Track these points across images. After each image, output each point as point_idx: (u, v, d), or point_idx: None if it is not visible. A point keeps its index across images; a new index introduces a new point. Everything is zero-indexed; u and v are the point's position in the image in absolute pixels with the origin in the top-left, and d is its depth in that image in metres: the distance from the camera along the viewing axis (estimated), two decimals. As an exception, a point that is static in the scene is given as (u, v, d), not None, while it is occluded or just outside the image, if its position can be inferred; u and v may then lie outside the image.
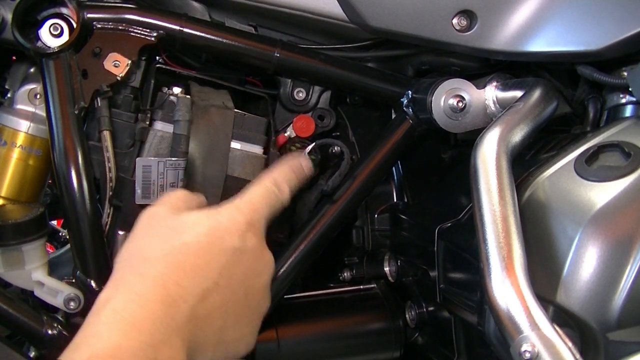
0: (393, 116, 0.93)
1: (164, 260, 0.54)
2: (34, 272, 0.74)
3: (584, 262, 0.58)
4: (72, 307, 0.74)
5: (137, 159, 0.75)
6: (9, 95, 0.81)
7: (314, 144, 0.83)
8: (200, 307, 0.54)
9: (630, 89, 0.68)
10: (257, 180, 0.67)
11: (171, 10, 0.82)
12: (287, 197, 0.67)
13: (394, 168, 1.02)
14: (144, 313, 0.50)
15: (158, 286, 0.52)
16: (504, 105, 0.76)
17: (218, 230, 0.58)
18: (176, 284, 0.53)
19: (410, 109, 0.84)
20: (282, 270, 0.81)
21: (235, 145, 0.80)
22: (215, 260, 0.56)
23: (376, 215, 1.02)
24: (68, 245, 0.79)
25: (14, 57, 0.82)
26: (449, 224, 0.79)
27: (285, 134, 0.86)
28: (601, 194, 0.60)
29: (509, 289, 0.56)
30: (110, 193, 0.75)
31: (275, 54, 0.81)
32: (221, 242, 0.58)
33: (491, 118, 0.78)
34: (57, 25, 0.75)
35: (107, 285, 0.55)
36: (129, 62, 0.75)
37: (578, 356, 0.53)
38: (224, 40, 0.80)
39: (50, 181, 0.84)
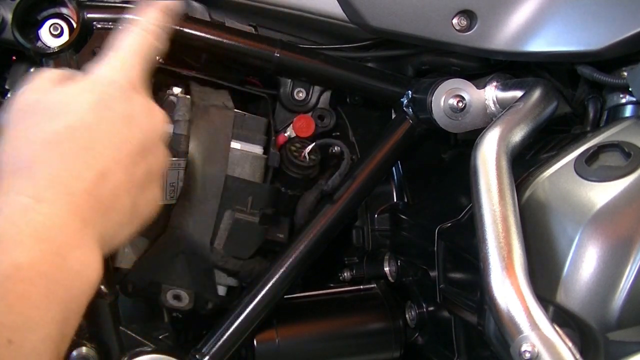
0: (393, 116, 0.94)
1: (49, 151, 0.48)
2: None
3: (584, 262, 0.58)
4: (72, 307, 0.74)
5: (137, 159, 0.75)
6: (9, 95, 0.81)
7: (314, 144, 0.83)
8: (103, 190, 0.48)
9: (630, 89, 0.68)
10: (124, 30, 0.59)
11: (171, 10, 0.81)
12: (162, 39, 0.60)
13: (394, 168, 1.02)
14: (41, 218, 0.44)
15: (52, 184, 0.46)
16: (504, 105, 0.76)
17: (102, 102, 0.51)
18: (71, 175, 0.47)
19: (410, 109, 0.84)
20: (282, 270, 0.81)
21: (235, 145, 0.80)
22: (108, 135, 0.50)
23: (376, 215, 1.02)
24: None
25: (14, 57, 0.82)
26: (449, 224, 0.79)
27: (285, 134, 0.86)
28: (601, 194, 0.60)
29: (509, 289, 0.56)
30: (110, 193, 0.75)
31: (275, 54, 0.81)
32: (110, 113, 0.51)
33: (491, 118, 0.78)
34: (57, 25, 0.75)
35: None
36: (129, 62, 0.75)
37: (578, 356, 0.53)
38: (224, 40, 0.80)
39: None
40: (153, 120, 0.55)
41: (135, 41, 0.58)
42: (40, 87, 0.53)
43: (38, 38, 0.75)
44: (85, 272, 0.46)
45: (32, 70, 0.69)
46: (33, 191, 0.46)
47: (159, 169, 0.57)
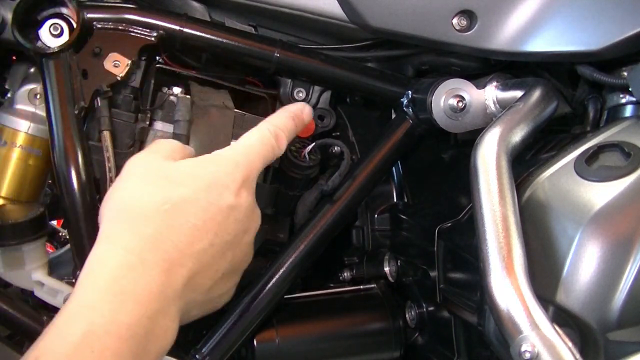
0: (393, 116, 0.93)
1: (161, 216, 0.51)
2: (34, 272, 0.74)
3: (584, 262, 0.58)
4: (72, 307, 0.74)
5: (137, 159, 0.75)
6: (9, 95, 0.81)
7: (314, 144, 0.83)
8: (194, 269, 0.51)
9: (630, 89, 0.68)
10: (257, 128, 0.63)
11: (171, 10, 0.82)
12: (283, 149, 0.65)
13: (394, 168, 1.02)
14: (144, 282, 0.47)
15: (156, 249, 0.49)
16: (504, 105, 0.76)
17: (217, 186, 0.55)
18: (174, 246, 0.50)
19: (410, 109, 0.84)
20: (282, 270, 0.81)
21: None
22: (212, 219, 0.54)
23: (376, 215, 1.02)
24: (68, 245, 0.79)
25: (14, 57, 0.82)
26: (449, 224, 0.79)
27: (285, 134, 0.86)
28: (601, 194, 0.60)
29: (509, 289, 0.56)
30: (110, 193, 0.75)
31: (275, 54, 0.81)
32: (219, 199, 0.55)
33: (491, 118, 0.78)
34: (57, 25, 0.75)
35: (100, 239, 0.50)
36: (129, 62, 0.75)
37: (578, 356, 0.53)
38: (224, 40, 0.80)
39: (50, 181, 0.84)
40: (251, 219, 0.59)
41: (262, 143, 0.62)
42: (166, 153, 0.57)
43: (38, 38, 0.75)
44: (166, 338, 0.49)
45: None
46: (139, 250, 0.48)
47: (241, 265, 0.61)
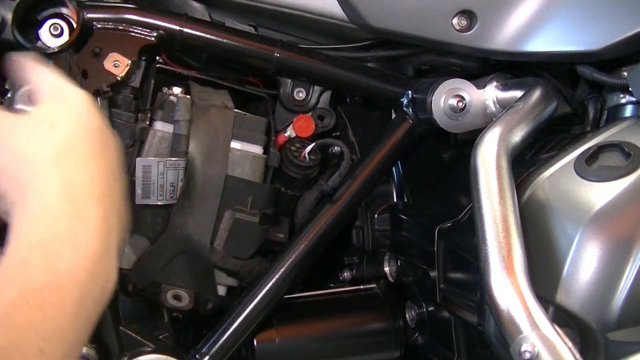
0: (393, 116, 0.93)
1: (61, 158, 0.48)
2: (34, 272, 0.73)
3: (584, 262, 0.58)
4: (72, 307, 0.74)
5: (137, 159, 0.75)
6: (9, 95, 0.81)
7: (314, 144, 0.83)
8: (114, 197, 0.49)
9: (630, 89, 0.68)
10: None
11: (171, 10, 0.82)
12: None
13: (394, 168, 1.02)
14: (77, 224, 0.45)
15: (78, 186, 0.46)
16: (504, 105, 0.76)
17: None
18: (91, 180, 0.47)
19: (410, 109, 0.84)
20: (282, 270, 0.81)
21: (235, 145, 0.80)
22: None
23: (376, 215, 1.02)
24: (68, 245, 0.78)
25: (14, 57, 0.82)
26: (449, 224, 0.79)
27: (285, 134, 0.86)
28: (601, 194, 0.60)
29: (509, 289, 0.56)
30: (110, 193, 0.75)
31: (275, 54, 0.81)
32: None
33: (491, 118, 0.78)
34: (57, 25, 0.75)
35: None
36: (129, 62, 0.75)
37: (578, 356, 0.53)
38: (224, 40, 0.80)
39: (50, 181, 0.84)
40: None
41: None
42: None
43: (38, 38, 0.75)
44: (109, 279, 0.46)
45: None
46: (64, 191, 0.45)
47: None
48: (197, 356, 0.79)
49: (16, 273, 0.42)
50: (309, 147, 0.82)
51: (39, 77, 0.56)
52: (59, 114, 0.52)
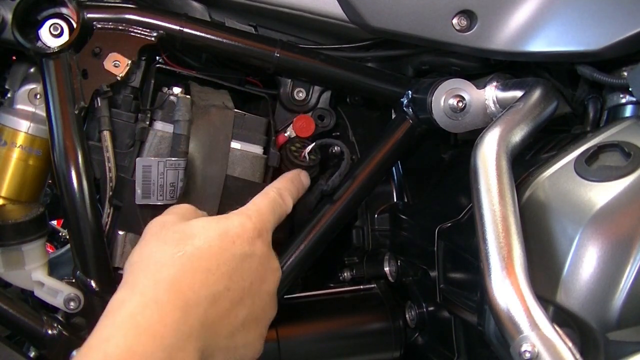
0: (393, 116, 0.93)
1: (176, 263, 0.55)
2: (34, 272, 0.74)
3: (584, 262, 0.58)
4: (72, 307, 0.74)
5: (137, 159, 0.75)
6: (9, 95, 0.81)
7: (314, 144, 0.83)
8: (211, 312, 0.55)
9: (630, 89, 0.68)
10: (262, 192, 0.69)
11: (171, 10, 0.82)
12: (290, 207, 0.70)
13: (394, 168, 1.02)
14: (158, 317, 0.50)
15: (172, 290, 0.52)
16: (504, 105, 0.76)
17: (228, 235, 0.59)
18: (189, 287, 0.53)
19: (410, 109, 0.84)
20: (282, 270, 0.81)
21: (235, 145, 0.80)
22: (226, 264, 0.57)
23: (376, 215, 1.02)
24: (68, 245, 0.79)
25: (14, 57, 0.82)
26: (449, 224, 0.79)
27: (285, 134, 0.86)
28: (601, 194, 0.60)
29: (509, 289, 0.56)
30: (110, 193, 0.75)
31: (275, 54, 0.81)
32: (232, 247, 0.58)
33: (491, 118, 0.78)
34: (57, 25, 0.75)
35: (120, 287, 0.55)
36: (129, 62, 0.75)
37: (578, 356, 0.53)
38: (224, 40, 0.80)
39: (50, 181, 0.84)
40: (268, 269, 0.62)
41: (270, 201, 0.67)
42: (179, 216, 0.62)
43: (38, 38, 0.75)
44: None
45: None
46: (153, 293, 0.52)
47: (264, 315, 0.63)
48: (197, 356, 0.79)
49: (99, 348, 0.48)
50: (309, 147, 0.82)
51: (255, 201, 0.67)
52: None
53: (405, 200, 1.01)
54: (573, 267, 0.59)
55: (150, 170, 0.75)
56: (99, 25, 0.75)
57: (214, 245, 0.57)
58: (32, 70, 0.81)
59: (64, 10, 0.75)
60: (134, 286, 0.54)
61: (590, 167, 0.63)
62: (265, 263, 0.62)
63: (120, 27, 0.76)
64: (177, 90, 0.78)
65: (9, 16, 0.73)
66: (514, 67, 0.82)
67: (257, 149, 0.82)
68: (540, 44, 0.72)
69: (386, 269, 0.97)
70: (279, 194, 0.69)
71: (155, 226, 0.61)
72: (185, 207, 0.65)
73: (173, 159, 0.75)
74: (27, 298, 0.78)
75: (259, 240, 0.61)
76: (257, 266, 0.60)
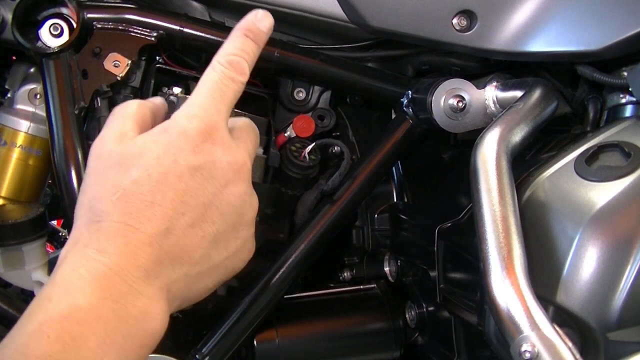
0: (393, 116, 0.93)
1: (117, 207, 0.49)
2: (34, 272, 0.74)
3: (584, 262, 0.58)
4: (72, 307, 0.74)
5: (137, 159, 0.75)
6: (9, 95, 0.81)
7: (314, 144, 0.83)
8: (166, 244, 0.49)
9: (630, 89, 0.68)
10: (205, 72, 0.56)
11: (171, 10, 0.82)
12: (247, 72, 0.57)
13: (394, 168, 1.02)
14: (103, 268, 0.45)
15: (114, 236, 0.47)
16: (504, 105, 0.76)
17: (169, 155, 0.51)
18: (134, 229, 0.48)
19: (410, 109, 0.84)
20: (282, 270, 0.81)
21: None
22: (172, 189, 0.50)
23: (376, 215, 1.02)
24: (68, 245, 0.78)
25: (14, 57, 0.82)
26: (449, 224, 0.79)
27: (285, 134, 0.86)
28: (601, 194, 0.60)
29: (509, 289, 0.56)
30: (110, 193, 0.75)
31: (275, 54, 0.81)
32: (175, 168, 0.50)
33: (491, 118, 0.78)
34: (57, 25, 0.75)
35: (67, 241, 0.50)
36: (129, 62, 0.75)
37: (578, 356, 0.53)
38: (224, 40, 0.80)
39: (50, 181, 0.84)
40: (227, 166, 0.53)
41: (216, 83, 0.55)
42: (117, 135, 0.53)
43: (38, 38, 0.75)
44: (146, 320, 0.46)
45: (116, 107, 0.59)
46: (97, 243, 0.47)
47: (242, 219, 0.56)
48: (197, 356, 0.79)
49: (41, 307, 0.44)
50: (309, 147, 0.82)
51: (198, 89, 0.56)
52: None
53: (405, 200, 1.01)
54: (573, 267, 0.59)
55: (150, 170, 0.75)
56: (99, 25, 0.75)
57: (154, 172, 0.50)
58: (32, 70, 0.81)
59: (64, 10, 0.75)
60: (77, 238, 0.49)
61: (590, 167, 0.63)
62: (223, 162, 0.53)
63: (120, 27, 0.76)
64: (177, 90, 0.78)
65: (9, 16, 0.73)
66: (514, 67, 0.82)
67: (257, 149, 0.82)
68: (540, 44, 0.72)
69: (386, 269, 0.97)
70: (229, 63, 0.55)
71: (91, 158, 0.54)
72: (125, 116, 0.55)
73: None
74: (27, 298, 0.78)
75: (206, 144, 0.52)
76: (213, 172, 0.52)
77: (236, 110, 0.80)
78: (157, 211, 0.49)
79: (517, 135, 0.65)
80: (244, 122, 0.61)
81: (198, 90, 0.55)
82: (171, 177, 0.50)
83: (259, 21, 0.59)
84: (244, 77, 0.56)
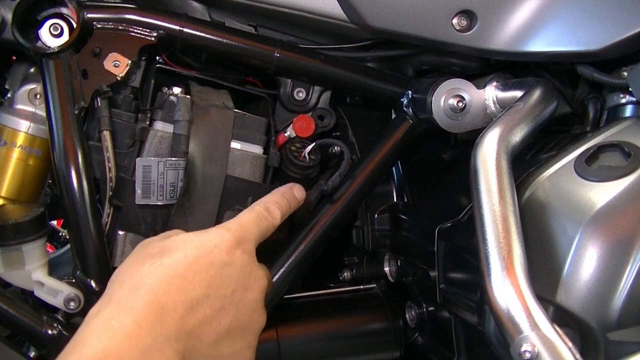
0: (393, 116, 0.93)
1: (153, 274, 0.56)
2: (34, 272, 0.74)
3: (584, 262, 0.58)
4: (72, 307, 0.74)
5: (137, 159, 0.75)
6: (9, 95, 0.81)
7: (314, 144, 0.83)
8: (190, 317, 0.56)
9: (630, 89, 0.68)
10: (249, 207, 0.70)
11: (171, 10, 0.82)
12: (278, 219, 0.70)
13: (394, 168, 1.02)
14: (132, 321, 0.51)
15: (147, 297, 0.53)
16: (504, 105, 0.76)
17: (205, 246, 0.60)
18: (164, 294, 0.54)
19: (410, 109, 0.84)
20: (282, 270, 0.81)
21: (235, 145, 0.80)
22: (203, 272, 0.58)
23: (376, 215, 1.02)
24: (68, 245, 0.79)
25: (14, 57, 0.82)
26: (449, 224, 0.79)
27: (285, 134, 0.86)
28: (601, 194, 0.60)
29: (509, 289, 0.56)
30: (110, 193, 0.75)
31: (275, 54, 0.81)
32: (209, 256, 0.59)
33: (491, 118, 0.78)
34: (57, 25, 0.75)
35: (99, 300, 0.56)
36: (129, 62, 0.75)
37: (578, 356, 0.53)
38: (224, 40, 0.80)
39: (50, 181, 0.84)
40: (251, 277, 0.62)
41: (253, 214, 0.67)
42: (160, 237, 0.63)
43: (38, 38, 0.75)
44: None
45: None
46: (128, 300, 0.53)
47: (250, 325, 0.63)
48: (197, 356, 0.79)
49: (75, 350, 0.49)
50: (309, 147, 0.82)
51: (240, 216, 0.68)
52: None
53: (405, 200, 1.01)
54: (573, 267, 0.59)
55: (150, 170, 0.75)
56: (99, 25, 0.75)
57: (190, 255, 0.58)
58: (32, 70, 0.81)
59: (64, 10, 0.75)
60: (111, 297, 0.55)
61: (590, 167, 0.63)
62: (248, 271, 0.62)
63: (120, 27, 0.76)
64: (177, 90, 0.78)
65: (9, 16, 0.73)
66: (514, 67, 0.82)
67: (257, 149, 0.82)
68: (540, 44, 0.72)
69: (386, 269, 0.97)
70: (265, 208, 0.69)
71: (138, 246, 0.63)
72: (172, 231, 0.66)
73: (173, 159, 0.75)
74: (27, 298, 0.78)
75: (238, 250, 0.62)
76: (239, 274, 0.61)
77: (236, 110, 0.81)
78: (186, 286, 0.56)
79: (517, 135, 0.65)
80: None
81: (240, 214, 0.67)
82: (204, 263, 0.59)
83: (296, 191, 0.78)
84: (275, 221, 0.70)
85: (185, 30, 0.78)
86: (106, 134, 0.74)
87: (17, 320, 0.74)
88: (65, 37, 0.75)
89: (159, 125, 0.77)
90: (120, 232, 0.77)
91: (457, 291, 0.76)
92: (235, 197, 0.79)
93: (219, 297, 0.59)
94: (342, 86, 0.87)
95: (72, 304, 0.74)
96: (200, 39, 0.79)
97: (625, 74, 0.70)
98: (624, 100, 0.71)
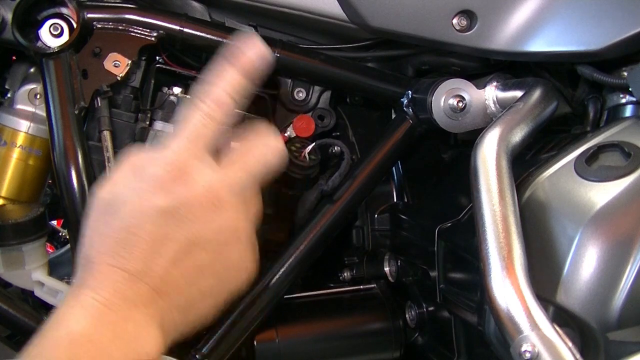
0: (393, 116, 0.93)
1: (99, 249, 0.52)
2: (34, 272, 0.74)
3: (584, 262, 0.58)
4: (72, 307, 0.74)
5: (137, 159, 0.75)
6: (9, 95, 0.82)
7: (314, 144, 0.83)
8: (151, 279, 0.50)
9: (630, 89, 0.68)
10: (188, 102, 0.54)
11: (171, 10, 0.82)
12: (231, 110, 0.54)
13: (394, 168, 1.02)
14: (91, 301, 0.49)
15: (98, 274, 0.51)
16: (504, 105, 0.76)
17: (141, 199, 0.50)
18: (112, 266, 0.50)
19: (410, 109, 0.84)
20: (282, 270, 0.81)
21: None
22: (145, 230, 0.51)
23: (376, 215, 1.02)
24: (68, 245, 0.79)
25: (14, 57, 0.82)
26: (449, 224, 0.79)
27: (285, 134, 0.86)
28: (601, 194, 0.60)
29: (509, 289, 0.56)
30: (110, 193, 0.75)
31: (275, 54, 0.81)
32: (146, 211, 0.51)
33: (491, 118, 0.78)
34: (57, 25, 0.75)
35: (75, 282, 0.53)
36: (129, 62, 0.75)
37: (578, 356, 0.53)
38: (224, 40, 0.80)
39: (50, 181, 0.84)
40: (206, 204, 0.52)
41: (199, 123, 0.53)
42: (120, 179, 0.54)
43: (38, 38, 0.75)
44: (137, 342, 0.49)
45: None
46: (86, 283, 0.51)
47: (227, 248, 0.54)
48: (197, 356, 0.79)
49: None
50: (309, 147, 0.82)
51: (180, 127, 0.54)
52: None
53: (405, 200, 1.01)
54: (573, 267, 0.59)
55: (150, 170, 0.75)
56: (99, 25, 0.75)
57: (126, 217, 0.51)
58: (32, 70, 0.81)
59: (64, 10, 0.75)
60: (75, 281, 0.53)
61: (590, 167, 0.63)
62: (197, 200, 0.51)
63: (120, 27, 0.76)
64: (177, 90, 0.78)
65: (9, 16, 0.73)
66: (514, 67, 0.82)
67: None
68: (540, 44, 0.72)
69: (386, 269, 0.97)
70: (215, 102, 0.53)
71: (100, 193, 0.54)
72: (137, 158, 0.53)
73: (173, 159, 0.75)
74: (27, 298, 0.78)
75: (178, 185, 0.51)
76: (186, 211, 0.51)
77: (237, 110, 0.80)
78: (133, 252, 0.51)
79: (517, 135, 0.65)
80: (243, 144, 0.57)
81: (179, 128, 0.53)
82: (143, 221, 0.51)
83: (252, 47, 0.54)
84: (228, 115, 0.54)
85: (185, 30, 0.78)
86: (106, 134, 0.74)
87: (17, 320, 0.74)
88: (65, 37, 0.75)
89: (159, 125, 0.77)
90: (120, 232, 0.77)
91: (457, 291, 0.76)
92: (235, 197, 0.79)
93: (172, 247, 0.51)
94: (342, 86, 0.87)
95: (72, 304, 0.74)
96: (200, 39, 0.79)
97: (625, 74, 0.70)
98: (624, 100, 0.71)
